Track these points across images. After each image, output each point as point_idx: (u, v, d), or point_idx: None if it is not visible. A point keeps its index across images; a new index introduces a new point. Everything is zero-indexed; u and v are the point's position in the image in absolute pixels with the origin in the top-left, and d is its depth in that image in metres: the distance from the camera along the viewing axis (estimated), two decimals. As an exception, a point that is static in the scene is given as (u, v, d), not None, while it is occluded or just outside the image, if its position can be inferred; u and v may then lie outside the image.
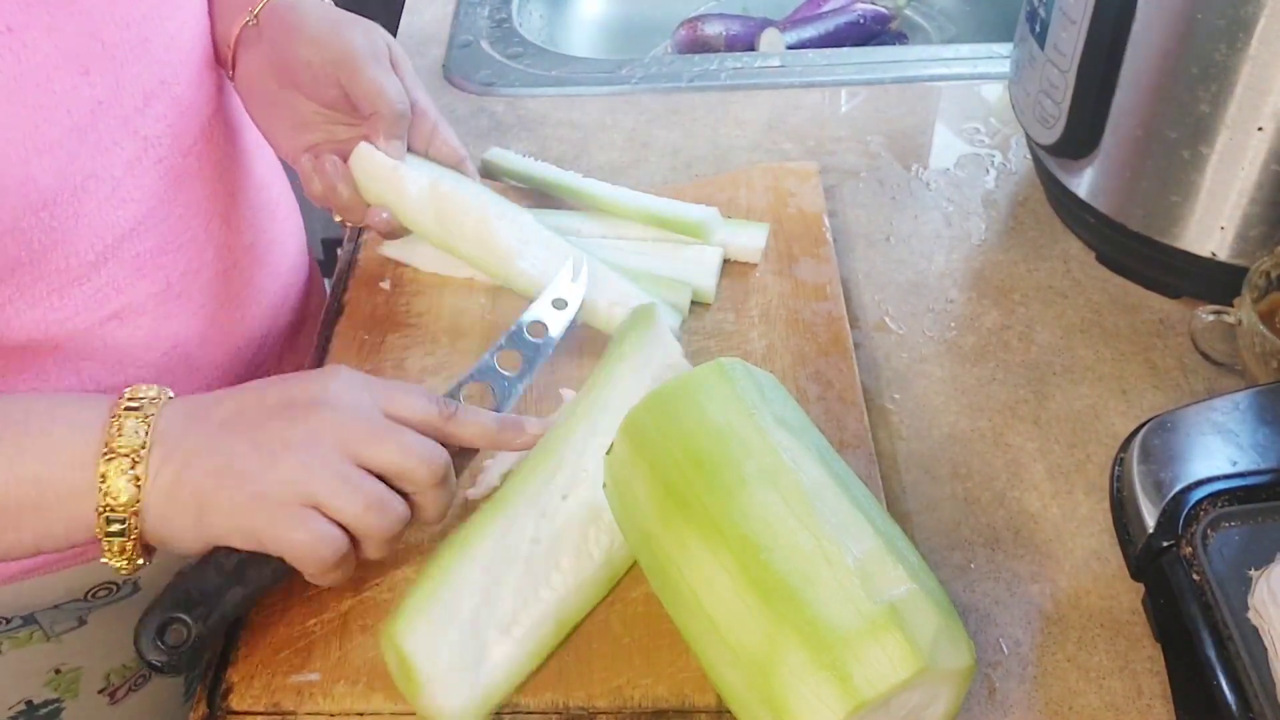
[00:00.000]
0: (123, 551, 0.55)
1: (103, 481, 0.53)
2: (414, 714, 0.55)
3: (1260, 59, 0.65)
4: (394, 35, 1.10)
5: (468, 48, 1.08)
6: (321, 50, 0.69)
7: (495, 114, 1.00)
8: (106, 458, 0.53)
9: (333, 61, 0.69)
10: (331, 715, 0.56)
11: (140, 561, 0.56)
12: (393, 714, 0.56)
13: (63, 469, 0.54)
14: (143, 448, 0.53)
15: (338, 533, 0.55)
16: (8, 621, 0.72)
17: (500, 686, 0.55)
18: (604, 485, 0.59)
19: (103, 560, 0.55)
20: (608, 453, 0.58)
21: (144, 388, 0.56)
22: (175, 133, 0.67)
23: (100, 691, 0.79)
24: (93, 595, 0.74)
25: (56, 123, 0.59)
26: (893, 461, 0.69)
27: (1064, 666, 0.59)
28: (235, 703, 0.56)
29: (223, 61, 0.73)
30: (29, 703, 0.76)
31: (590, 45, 1.32)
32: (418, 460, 0.56)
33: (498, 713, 0.55)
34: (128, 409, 0.55)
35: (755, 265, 0.79)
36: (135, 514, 0.53)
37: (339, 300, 0.78)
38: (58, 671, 0.76)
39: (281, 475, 0.54)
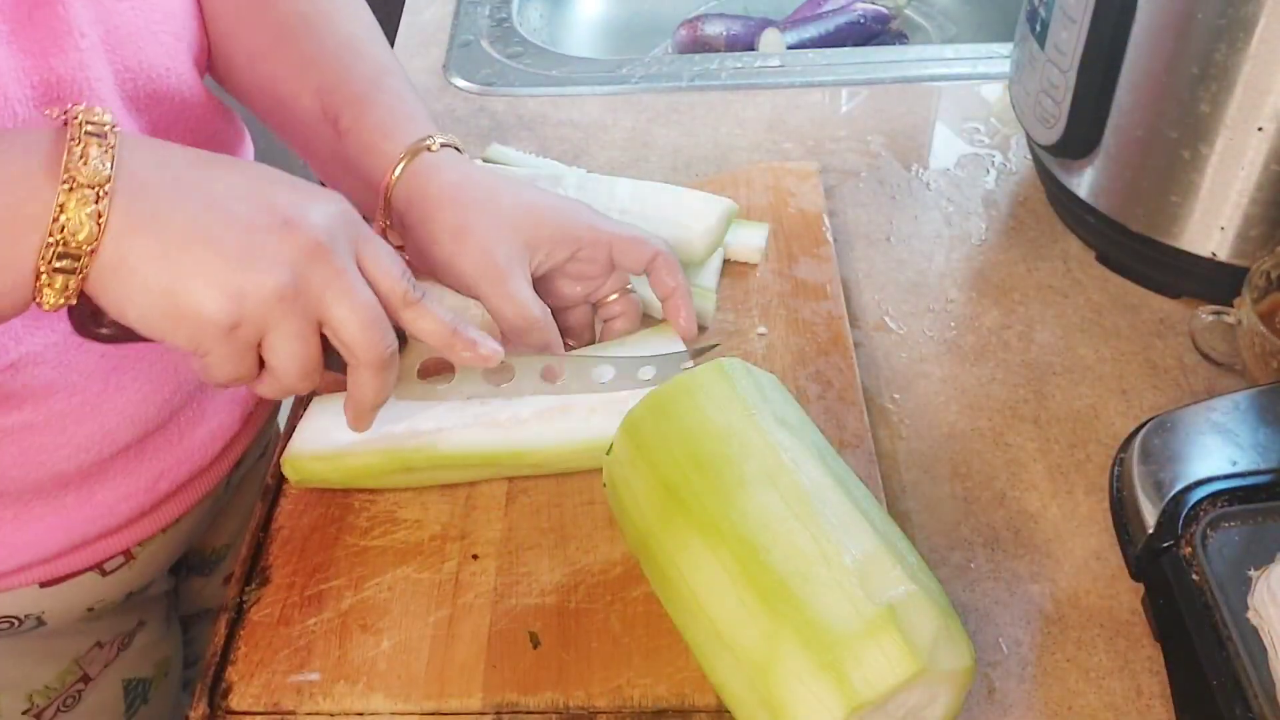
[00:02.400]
0: (64, 289, 0.48)
1: (60, 213, 0.46)
2: (415, 714, 0.56)
3: (1260, 59, 0.65)
4: (394, 35, 1.11)
5: (468, 47, 1.08)
6: (462, 266, 0.65)
7: (495, 114, 1.00)
8: (66, 186, 0.46)
9: (465, 279, 0.65)
10: (331, 715, 0.56)
11: (72, 302, 0.49)
12: (393, 714, 0.56)
13: (11, 192, 0.47)
14: (108, 182, 0.47)
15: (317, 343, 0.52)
16: None
17: (348, 461, 0.62)
18: (604, 485, 0.59)
19: (37, 299, 0.48)
20: (607, 453, 0.58)
21: (98, 109, 0.49)
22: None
23: (25, 713, 0.75)
24: None
25: None
26: (893, 461, 0.69)
27: (1064, 666, 0.59)
28: (235, 702, 0.56)
29: (367, 205, 0.67)
30: None
31: (590, 45, 1.32)
32: (370, 333, 0.53)
33: (498, 712, 0.55)
34: (88, 133, 0.47)
35: (755, 265, 0.79)
36: (92, 253, 0.47)
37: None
38: None
39: (267, 259, 0.49)
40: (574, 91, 1.02)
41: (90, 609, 0.75)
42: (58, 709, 0.76)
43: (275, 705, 0.56)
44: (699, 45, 1.24)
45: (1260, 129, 0.67)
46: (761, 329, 0.75)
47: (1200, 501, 0.58)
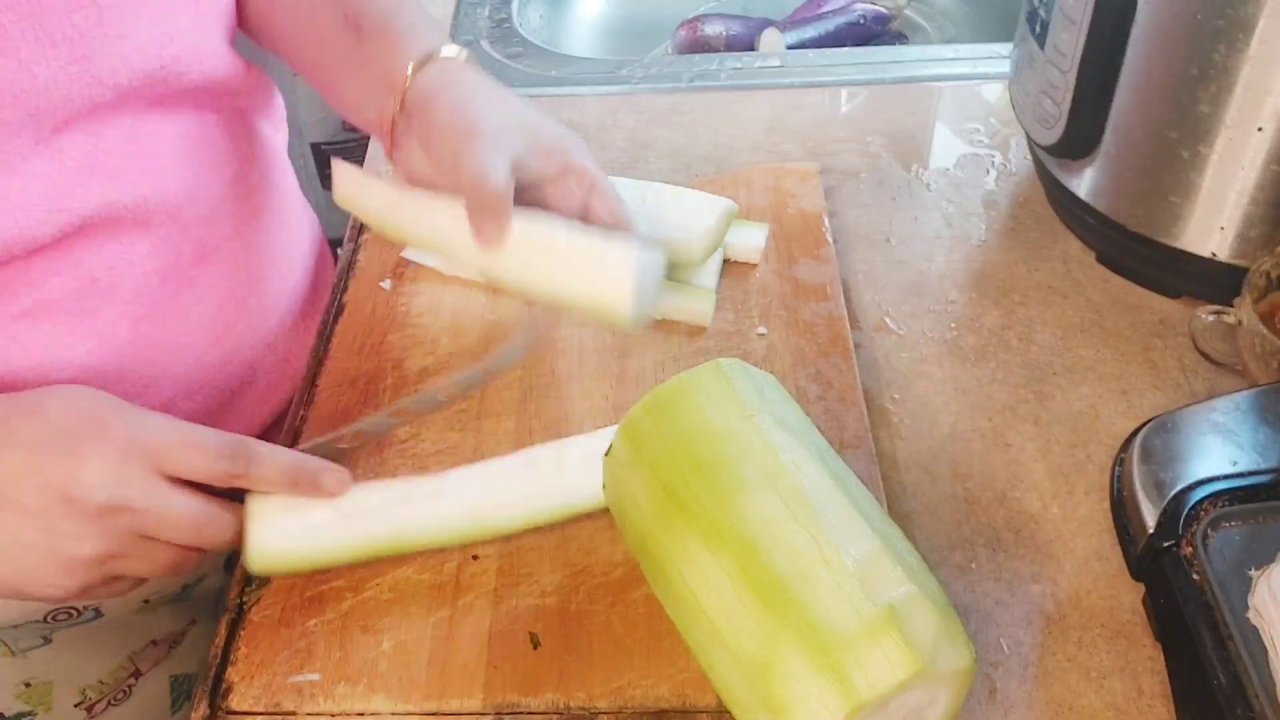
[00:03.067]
0: None
1: None
2: (415, 714, 0.56)
3: (1260, 59, 0.65)
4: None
5: (468, 47, 1.08)
6: (447, 139, 0.65)
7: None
8: None
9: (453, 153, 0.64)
10: (331, 715, 0.56)
11: None
12: (393, 714, 0.56)
13: None
14: None
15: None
16: None
17: (311, 549, 0.60)
18: (603, 487, 0.59)
19: None
20: (606, 454, 0.58)
21: None
22: (98, 154, 0.64)
23: (77, 705, 0.78)
24: (53, 618, 0.73)
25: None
26: (893, 461, 0.69)
27: (1064, 666, 0.59)
28: (235, 703, 0.56)
29: (375, 130, 0.70)
30: (0, 715, 0.75)
31: (590, 45, 1.32)
32: (205, 535, 0.56)
33: (498, 713, 0.55)
34: None
35: (755, 265, 0.79)
36: None
37: (339, 300, 0.78)
38: (28, 685, 0.75)
39: (70, 540, 0.53)
40: (574, 92, 1.02)
41: (146, 600, 0.77)
42: (109, 703, 0.79)
43: (276, 706, 0.56)
44: (699, 45, 1.24)
45: (1260, 129, 0.67)
46: (761, 329, 0.75)
47: (1200, 501, 0.58)
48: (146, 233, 0.67)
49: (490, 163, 0.62)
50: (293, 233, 0.83)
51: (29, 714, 0.76)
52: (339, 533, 0.60)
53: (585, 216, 0.67)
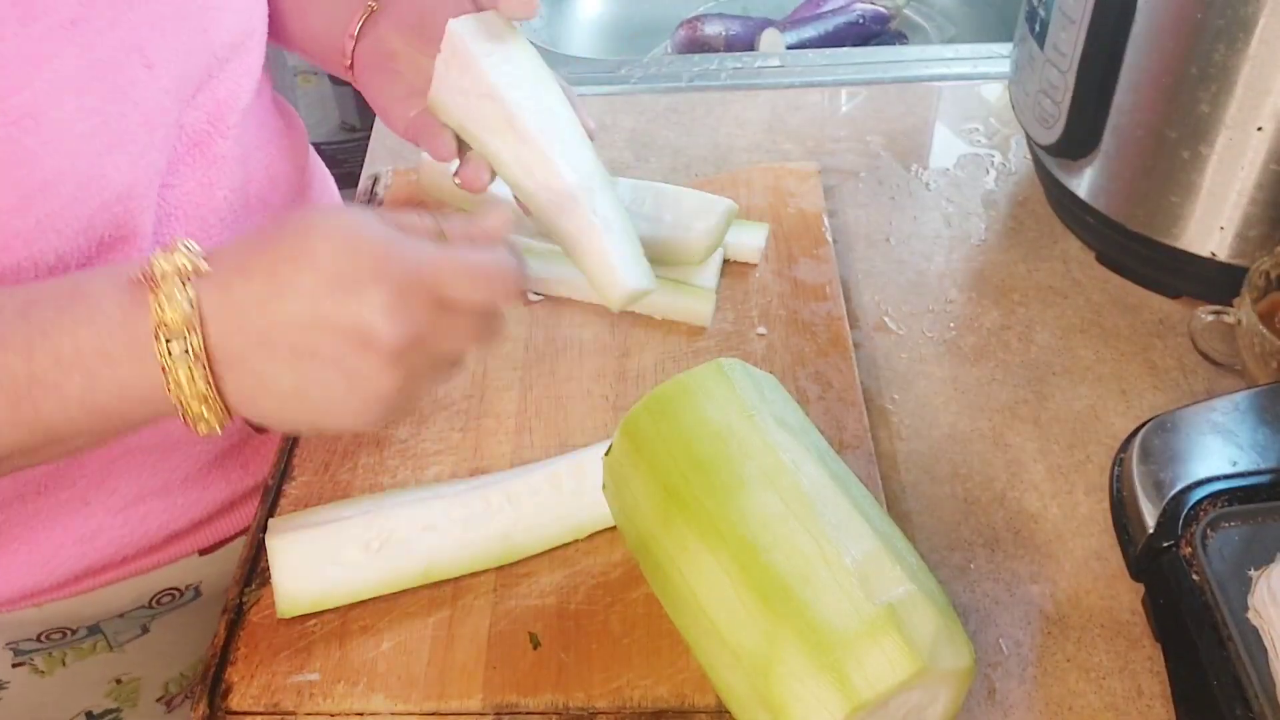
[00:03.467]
0: (193, 383, 0.51)
1: (156, 307, 0.50)
2: (414, 714, 0.56)
3: (1260, 59, 0.65)
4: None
5: (468, 48, 1.08)
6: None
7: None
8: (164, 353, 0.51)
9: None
10: (331, 715, 0.56)
11: (219, 416, 0.53)
12: (392, 714, 0.56)
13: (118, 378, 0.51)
14: (202, 351, 0.51)
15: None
16: (73, 632, 0.73)
17: (340, 589, 0.59)
18: (603, 486, 0.59)
19: (184, 413, 0.52)
20: (606, 453, 0.58)
21: (165, 260, 0.52)
22: (212, 120, 0.67)
23: (158, 700, 0.80)
24: (157, 601, 0.75)
25: (125, 116, 0.59)
26: (893, 461, 0.69)
27: (1064, 666, 0.58)
28: (235, 703, 0.56)
29: (335, 57, 0.73)
30: (88, 713, 0.77)
31: (590, 45, 1.32)
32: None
33: (498, 713, 0.55)
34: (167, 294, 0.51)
35: (755, 265, 0.79)
36: (195, 331, 0.51)
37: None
38: (119, 682, 0.77)
39: (371, 386, 0.52)
40: (574, 91, 1.02)
41: None
42: (185, 696, 0.81)
43: (275, 706, 0.56)
44: (699, 45, 1.24)
45: (1260, 129, 0.67)
46: (761, 329, 0.75)
47: (1200, 501, 0.58)
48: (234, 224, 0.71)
49: None
50: None
51: (115, 711, 0.78)
52: (368, 569, 0.59)
53: None
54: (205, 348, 0.51)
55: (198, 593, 0.77)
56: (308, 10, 0.75)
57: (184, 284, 0.51)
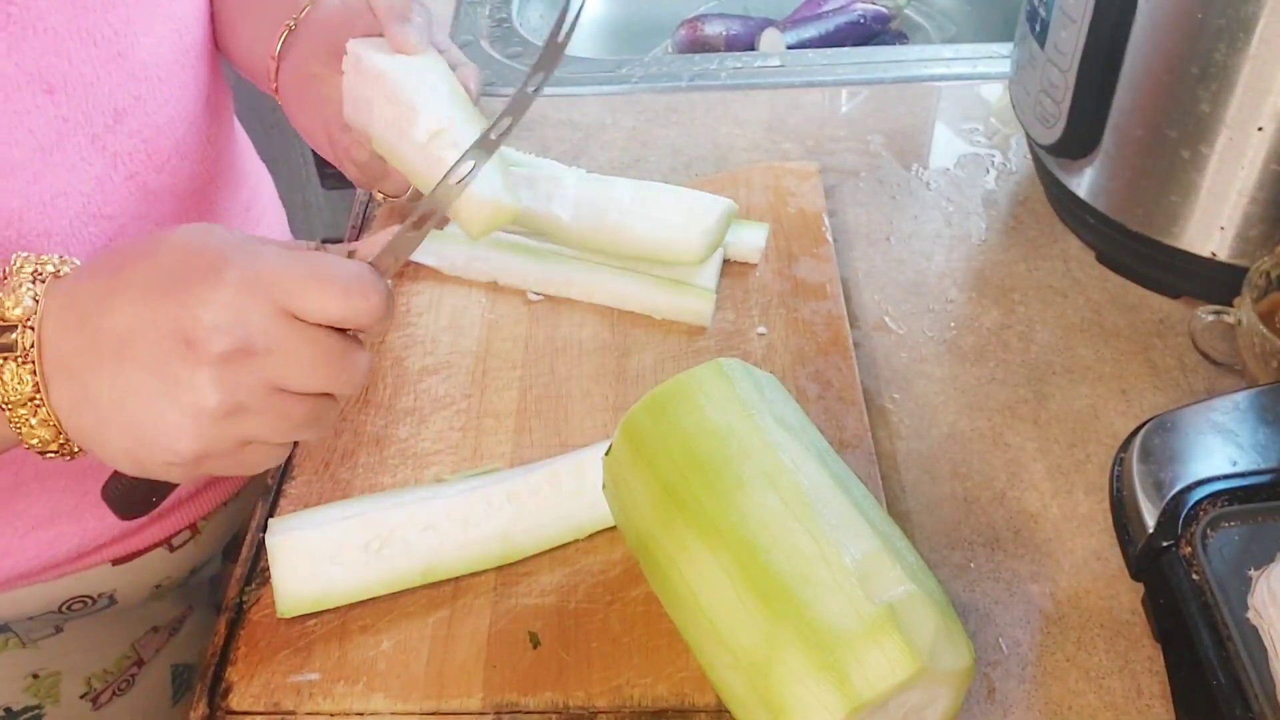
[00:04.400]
0: (17, 383, 0.48)
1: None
2: (414, 714, 0.56)
3: (1260, 58, 0.65)
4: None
5: (468, 47, 1.08)
6: None
7: (495, 114, 0.99)
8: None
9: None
10: (331, 715, 0.56)
11: (51, 430, 0.50)
12: (392, 714, 0.56)
13: None
14: (32, 349, 0.49)
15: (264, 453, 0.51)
16: None
17: (340, 589, 0.59)
18: (603, 486, 0.59)
19: (14, 424, 0.49)
20: (606, 453, 0.58)
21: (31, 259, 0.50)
22: (149, 149, 0.66)
23: (83, 697, 0.78)
24: (67, 608, 0.74)
25: (19, 143, 0.58)
26: (893, 461, 0.69)
27: (1064, 666, 0.58)
28: (235, 702, 0.56)
29: (263, 77, 0.73)
30: (8, 709, 0.75)
31: (590, 45, 1.32)
32: (338, 374, 0.49)
33: (498, 712, 0.55)
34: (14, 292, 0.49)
35: (755, 265, 0.79)
36: (27, 328, 0.48)
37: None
38: (35, 676, 0.75)
39: (190, 390, 0.47)
40: (574, 91, 1.02)
41: (157, 585, 0.78)
42: (113, 692, 0.80)
43: (275, 705, 0.56)
44: (699, 45, 1.24)
45: (1260, 129, 0.67)
46: (761, 329, 0.75)
47: (1200, 501, 0.58)
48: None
49: None
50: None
51: (36, 708, 0.76)
52: (368, 569, 0.59)
53: None
54: (38, 347, 0.48)
55: (112, 600, 0.76)
56: (238, 28, 0.75)
57: (34, 282, 0.49)
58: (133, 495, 0.55)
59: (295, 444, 0.67)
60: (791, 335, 0.74)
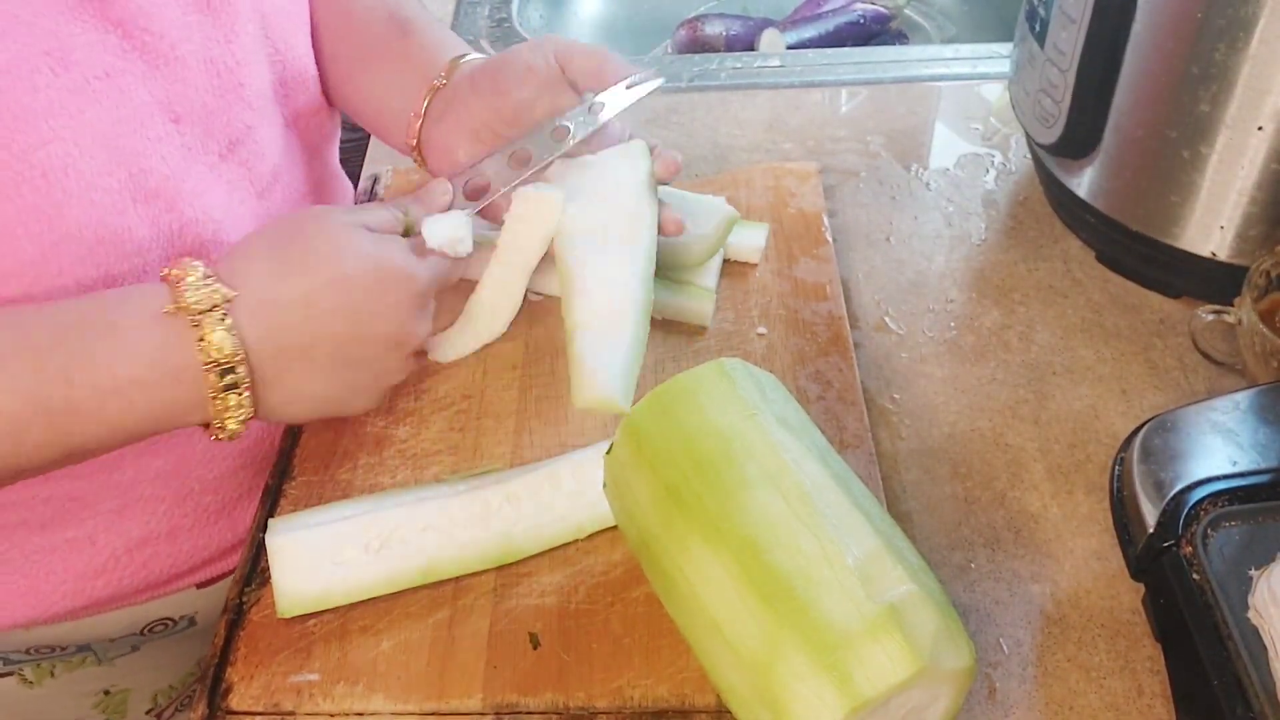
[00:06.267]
0: (239, 406, 0.57)
1: (200, 340, 0.55)
2: (414, 714, 0.56)
3: (1260, 58, 0.65)
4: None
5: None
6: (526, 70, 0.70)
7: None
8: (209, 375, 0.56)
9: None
10: (331, 715, 0.56)
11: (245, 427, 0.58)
12: (393, 714, 0.56)
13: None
14: (241, 363, 0.56)
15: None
16: (62, 649, 0.73)
17: (340, 588, 0.59)
18: (604, 486, 0.59)
19: (215, 426, 0.58)
20: (607, 453, 0.58)
21: (190, 270, 0.56)
22: (251, 177, 0.68)
23: (148, 712, 0.80)
24: (150, 630, 0.75)
25: (152, 171, 0.59)
26: (893, 461, 0.69)
27: (1064, 666, 0.58)
28: (235, 703, 0.56)
29: (397, 134, 0.74)
30: None
31: (590, 45, 1.31)
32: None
33: (498, 713, 0.55)
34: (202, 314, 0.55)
35: (755, 265, 0.79)
36: (243, 361, 0.56)
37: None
38: (107, 693, 0.77)
39: (390, 372, 0.63)
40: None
41: None
42: (175, 708, 0.82)
43: (275, 706, 0.56)
44: (699, 45, 1.24)
45: (1260, 129, 0.67)
46: (761, 329, 0.75)
47: (1200, 501, 0.58)
48: None
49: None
50: None
51: None
52: (368, 569, 0.60)
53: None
54: (249, 372, 0.56)
55: (192, 622, 0.77)
56: (357, 80, 0.76)
57: (223, 317, 0.55)
58: None
59: (294, 443, 0.69)
60: (791, 335, 0.74)
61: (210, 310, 0.55)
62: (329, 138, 0.80)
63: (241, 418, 0.57)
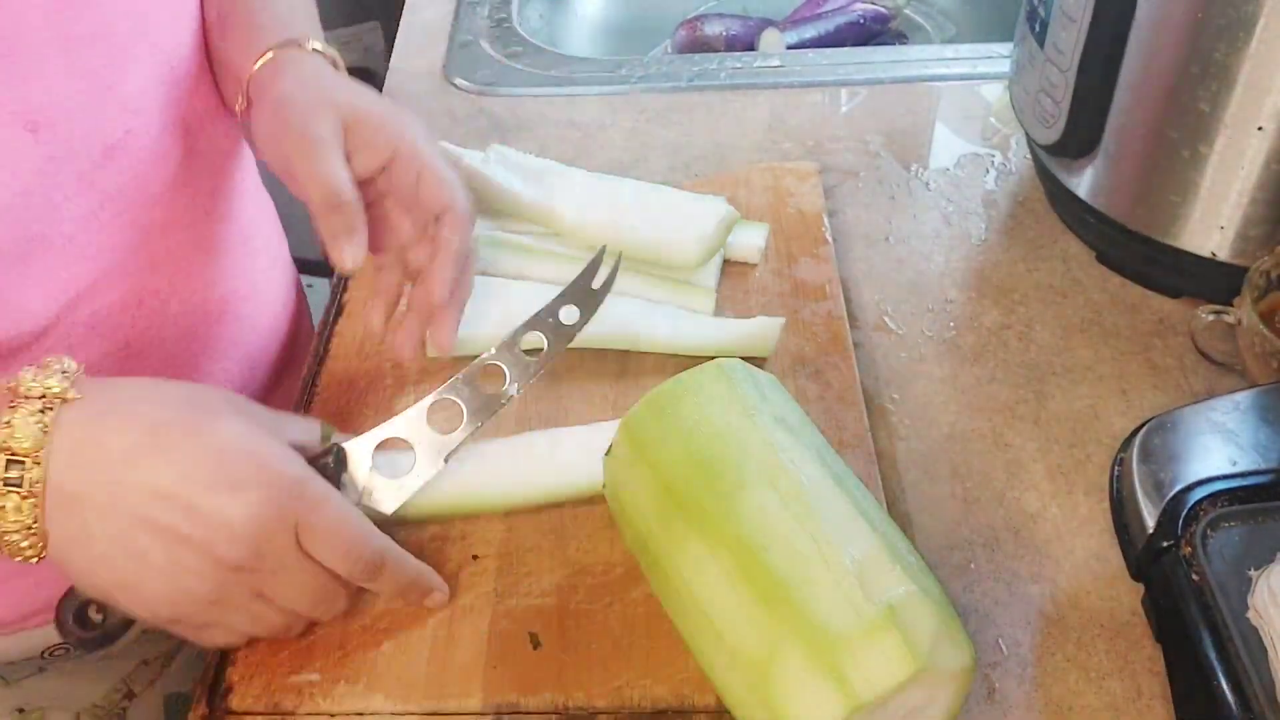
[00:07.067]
0: (17, 512, 0.49)
1: (6, 423, 0.48)
2: (414, 714, 0.56)
3: (1260, 58, 0.65)
4: (394, 35, 1.11)
5: (468, 47, 1.08)
6: (281, 141, 0.62)
7: (495, 114, 1.00)
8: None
9: (284, 158, 0.62)
10: (331, 715, 0.56)
11: (39, 552, 0.51)
12: (392, 714, 0.56)
13: None
14: (38, 483, 0.49)
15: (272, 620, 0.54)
16: None
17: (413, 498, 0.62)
18: (604, 486, 0.59)
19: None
20: (607, 453, 0.58)
21: (50, 372, 0.50)
22: (139, 184, 0.63)
23: None
24: (50, 653, 0.72)
25: (1, 186, 0.56)
26: (892, 461, 0.69)
27: (1064, 667, 0.58)
28: (235, 703, 0.56)
29: (230, 103, 0.69)
30: None
31: (590, 45, 1.32)
32: (322, 605, 0.55)
33: (498, 713, 0.55)
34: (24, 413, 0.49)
35: (755, 265, 0.79)
36: (37, 464, 0.49)
37: (339, 300, 0.78)
38: (21, 711, 0.74)
39: (191, 575, 0.50)
40: (573, 92, 1.02)
41: (145, 630, 0.76)
42: None
43: (275, 706, 0.56)
44: (698, 45, 1.24)
45: (1260, 129, 0.67)
46: (761, 329, 0.75)
47: (1200, 501, 0.58)
48: (174, 293, 0.68)
49: (331, 170, 0.60)
50: (268, 280, 0.80)
51: None
52: (437, 488, 0.63)
53: (415, 201, 0.64)
54: (44, 481, 0.49)
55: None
56: (225, 30, 0.70)
57: (43, 411, 0.49)
58: (90, 624, 0.55)
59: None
60: (791, 335, 0.74)
61: (38, 398, 0.49)
62: (234, 149, 0.74)
63: (22, 530, 0.49)
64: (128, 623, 0.55)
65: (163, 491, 0.49)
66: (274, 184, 0.71)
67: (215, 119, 0.71)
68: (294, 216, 0.79)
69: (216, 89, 0.71)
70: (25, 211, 0.57)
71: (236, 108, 0.67)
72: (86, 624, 0.55)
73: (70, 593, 0.54)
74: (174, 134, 0.66)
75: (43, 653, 0.72)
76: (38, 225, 0.58)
